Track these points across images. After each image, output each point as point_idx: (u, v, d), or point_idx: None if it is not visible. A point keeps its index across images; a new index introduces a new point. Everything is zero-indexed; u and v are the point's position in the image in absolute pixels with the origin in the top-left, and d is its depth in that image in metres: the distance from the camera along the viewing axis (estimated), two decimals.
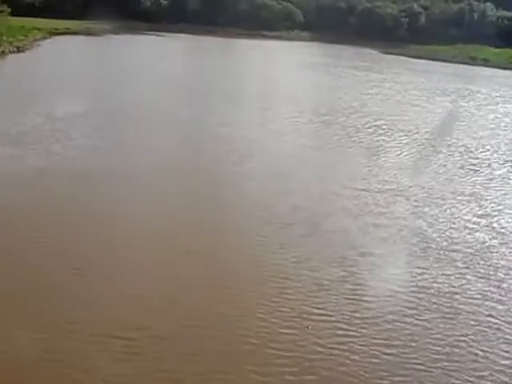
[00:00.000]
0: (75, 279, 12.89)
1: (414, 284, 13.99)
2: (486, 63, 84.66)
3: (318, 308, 12.47)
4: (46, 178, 19.70)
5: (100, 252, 14.55)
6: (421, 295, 13.40)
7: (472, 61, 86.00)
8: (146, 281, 13.16)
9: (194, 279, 13.34)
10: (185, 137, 28.65)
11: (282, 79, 53.27)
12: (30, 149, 22.66)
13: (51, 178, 19.76)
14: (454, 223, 18.24)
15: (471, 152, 28.66)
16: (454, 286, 14.01)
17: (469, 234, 17.46)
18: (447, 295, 13.54)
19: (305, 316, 12.09)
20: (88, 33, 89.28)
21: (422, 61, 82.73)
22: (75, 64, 53.90)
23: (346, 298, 12.99)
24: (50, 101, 33.04)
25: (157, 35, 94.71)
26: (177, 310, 12.08)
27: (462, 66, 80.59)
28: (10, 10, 63.98)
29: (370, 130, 31.73)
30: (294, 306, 12.46)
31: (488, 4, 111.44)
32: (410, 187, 21.66)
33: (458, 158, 27.07)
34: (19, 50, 58.38)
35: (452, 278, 14.46)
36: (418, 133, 32.09)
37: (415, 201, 20.17)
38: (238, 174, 22.03)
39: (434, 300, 13.24)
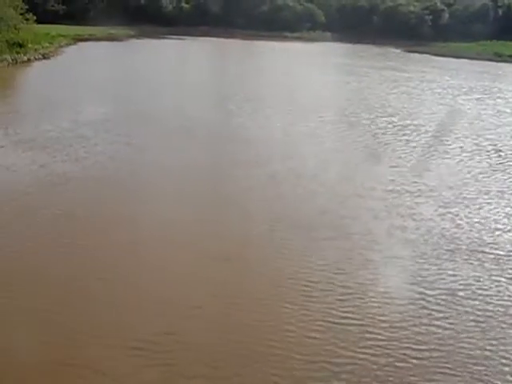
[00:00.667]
0: (101, 284, 12.95)
1: (443, 287, 13.70)
2: None
3: (344, 312, 12.30)
4: (73, 183, 19.91)
5: (125, 257, 14.60)
6: (450, 298, 13.14)
7: (498, 57, 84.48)
8: (172, 286, 13.16)
9: (219, 284, 13.29)
10: (211, 139, 28.63)
11: (308, 81, 52.86)
12: (57, 155, 22.92)
13: (78, 183, 19.98)
14: (483, 224, 17.87)
15: (500, 151, 28.08)
16: (485, 290, 13.71)
17: (498, 235, 17.09)
18: (478, 299, 13.25)
19: (331, 320, 11.95)
20: (111, 38, 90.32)
21: (447, 58, 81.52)
22: (99, 69, 54.41)
23: (373, 302, 12.79)
24: (75, 107, 33.39)
25: (179, 39, 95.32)
26: (202, 315, 12.04)
27: (487, 62, 79.12)
28: (35, 17, 64.79)
29: (397, 131, 31.25)
30: (320, 311, 12.32)
31: None
32: (437, 187, 21.31)
33: (487, 159, 26.50)
34: (44, 56, 59.22)
35: (483, 281, 14.15)
36: (445, 134, 31.51)
37: (442, 201, 19.82)
38: (264, 176, 21.87)
39: (465, 304, 12.96)
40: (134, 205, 18.25)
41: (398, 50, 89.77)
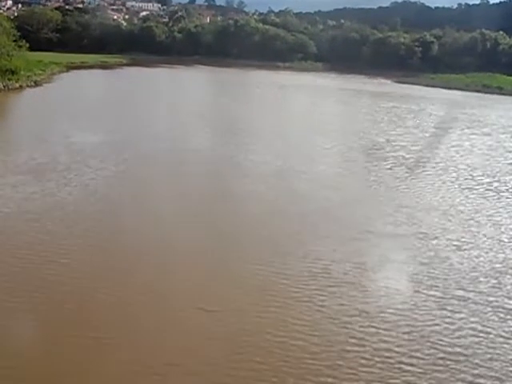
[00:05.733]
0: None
1: None
2: (500, 91, 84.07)
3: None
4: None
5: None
6: None
7: (486, 89, 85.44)
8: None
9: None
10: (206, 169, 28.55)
11: (314, 124, 49.23)
12: (45, 185, 22.73)
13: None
14: None
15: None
16: None
17: None
18: None
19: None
20: (104, 66, 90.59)
21: (440, 90, 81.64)
22: (89, 97, 54.41)
23: None
24: (63, 136, 33.36)
25: (171, 67, 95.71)
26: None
27: (477, 94, 79.33)
28: (28, 45, 65.02)
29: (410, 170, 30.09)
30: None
31: (500, 33, 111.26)
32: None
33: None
34: (36, 83, 59.30)
35: None
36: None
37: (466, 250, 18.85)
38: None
39: None
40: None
41: (389, 81, 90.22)
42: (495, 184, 27.79)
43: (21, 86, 55.76)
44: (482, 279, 16.36)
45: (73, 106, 46.85)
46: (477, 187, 26.88)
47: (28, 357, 11.76)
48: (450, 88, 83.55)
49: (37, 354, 11.96)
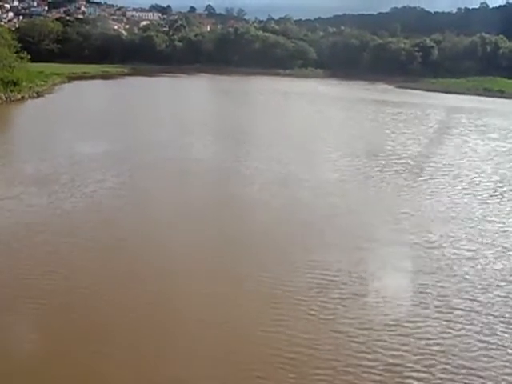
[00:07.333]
0: None
1: None
2: (502, 94, 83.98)
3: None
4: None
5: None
6: None
7: (487, 92, 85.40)
8: None
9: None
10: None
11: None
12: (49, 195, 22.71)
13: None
14: None
15: None
16: None
17: None
18: None
19: None
20: (105, 76, 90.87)
21: (441, 94, 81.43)
22: (90, 107, 54.56)
23: None
24: (66, 147, 33.39)
25: (172, 76, 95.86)
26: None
27: (478, 97, 79.15)
28: (29, 56, 65.25)
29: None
30: None
31: (500, 36, 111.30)
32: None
33: None
34: (38, 95, 59.54)
35: None
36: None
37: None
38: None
39: None
40: None
41: (391, 87, 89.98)
42: (503, 190, 27.56)
43: (23, 98, 56.02)
44: (491, 289, 16.16)
45: (75, 117, 46.95)
46: (484, 194, 26.65)
47: (28, 367, 11.75)
48: (450, 92, 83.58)
49: (37, 365, 11.93)
